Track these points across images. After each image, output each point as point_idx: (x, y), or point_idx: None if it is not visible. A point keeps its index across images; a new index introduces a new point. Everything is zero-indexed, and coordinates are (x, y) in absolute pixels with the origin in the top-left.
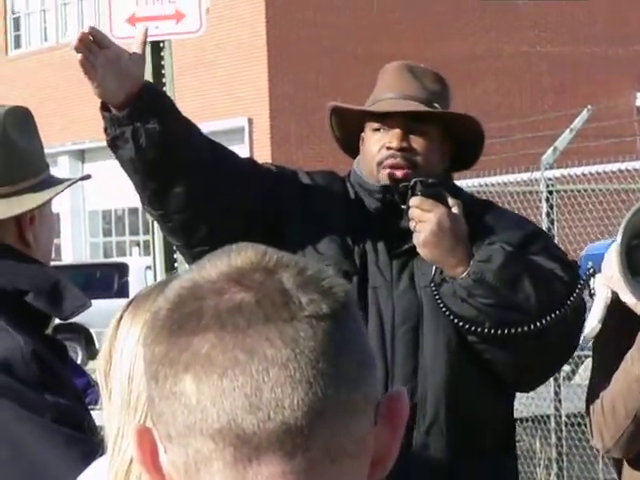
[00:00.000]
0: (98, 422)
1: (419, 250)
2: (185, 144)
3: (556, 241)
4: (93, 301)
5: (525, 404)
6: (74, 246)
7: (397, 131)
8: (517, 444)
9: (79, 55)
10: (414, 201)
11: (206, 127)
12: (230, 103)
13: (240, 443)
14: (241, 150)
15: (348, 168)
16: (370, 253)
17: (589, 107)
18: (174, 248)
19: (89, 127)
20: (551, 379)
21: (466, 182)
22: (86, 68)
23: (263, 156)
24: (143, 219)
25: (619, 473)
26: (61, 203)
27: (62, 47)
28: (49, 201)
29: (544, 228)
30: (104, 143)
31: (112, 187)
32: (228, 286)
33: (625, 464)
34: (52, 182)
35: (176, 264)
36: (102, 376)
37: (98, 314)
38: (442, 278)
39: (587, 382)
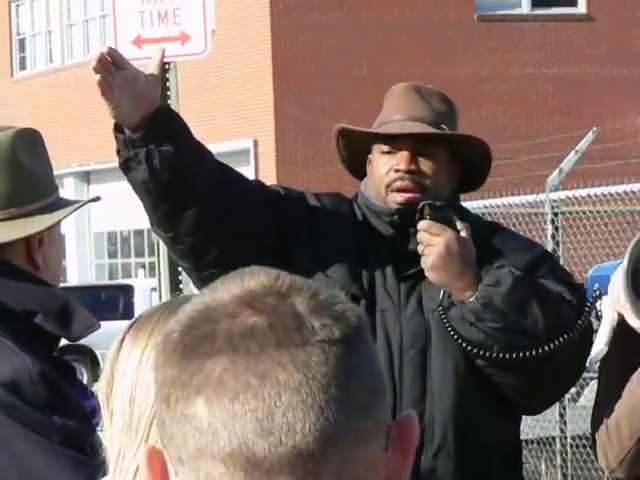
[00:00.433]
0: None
1: (427, 274)
2: (197, 167)
3: (561, 263)
4: None
5: (530, 426)
6: (80, 267)
7: (405, 153)
8: (522, 466)
9: (97, 75)
10: (422, 225)
11: (211, 148)
12: (235, 125)
13: (251, 467)
14: (246, 171)
15: (354, 190)
16: (378, 276)
17: (594, 129)
18: (179, 270)
19: (95, 149)
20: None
21: (471, 203)
22: (103, 89)
23: (268, 178)
24: (148, 241)
25: None
26: (67, 224)
27: (67, 69)
28: (58, 223)
29: (549, 250)
30: (110, 165)
31: (118, 209)
32: (241, 309)
33: None
34: (61, 204)
35: (181, 285)
36: (103, 398)
37: (103, 336)
38: (450, 302)
39: (592, 404)
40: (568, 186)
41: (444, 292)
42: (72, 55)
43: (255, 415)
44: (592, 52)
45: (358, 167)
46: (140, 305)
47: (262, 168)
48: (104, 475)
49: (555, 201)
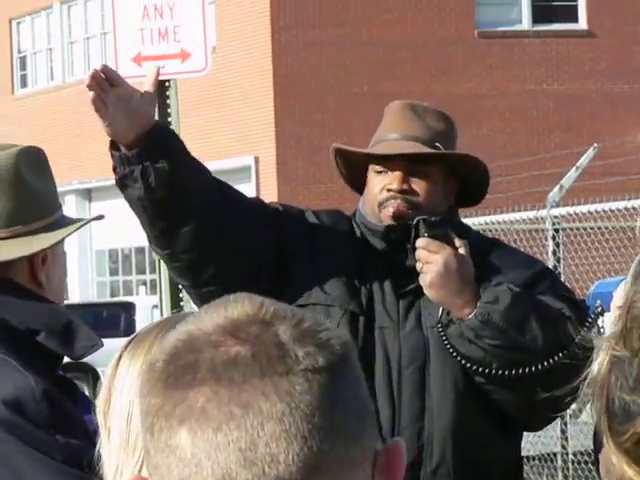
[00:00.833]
0: None
1: (426, 291)
2: (194, 185)
3: (562, 279)
4: None
5: (532, 442)
6: (81, 285)
7: (398, 174)
8: None
9: (91, 93)
10: (420, 242)
11: (213, 166)
12: (237, 142)
13: None
14: (248, 189)
15: (355, 207)
16: (377, 293)
17: (595, 145)
18: (180, 287)
19: (96, 166)
20: (558, 417)
21: (472, 220)
22: (97, 106)
23: (269, 194)
24: (150, 258)
25: None
26: (68, 242)
27: (68, 86)
28: (62, 241)
29: (550, 266)
30: (111, 182)
31: (119, 226)
32: (224, 339)
33: None
34: (65, 222)
35: (182, 303)
36: (101, 415)
37: (105, 353)
38: (449, 319)
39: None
40: (569, 202)
41: (443, 309)
42: (73, 72)
43: (238, 445)
44: (593, 68)
45: (359, 183)
46: (141, 322)
47: (263, 185)
48: None
49: (556, 217)
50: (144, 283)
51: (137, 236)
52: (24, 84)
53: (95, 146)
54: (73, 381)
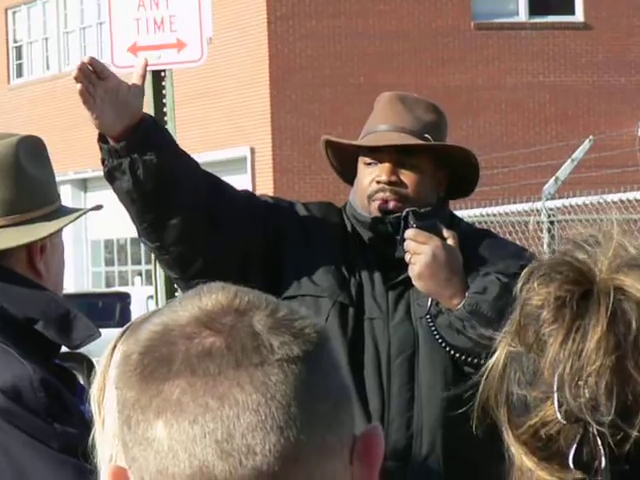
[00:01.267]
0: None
1: (414, 282)
2: (182, 178)
3: None
4: None
5: None
6: (76, 275)
7: (386, 165)
8: None
9: (78, 85)
10: (409, 233)
11: (208, 156)
12: (232, 133)
13: None
14: (243, 180)
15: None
16: (366, 284)
17: (591, 137)
18: None
19: (91, 156)
20: None
21: (467, 212)
22: (85, 98)
23: (265, 186)
24: (145, 248)
25: None
26: (63, 232)
27: (64, 76)
28: (61, 230)
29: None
30: None
31: (114, 217)
32: (198, 330)
33: None
34: (63, 211)
35: (177, 293)
36: (95, 404)
37: (100, 343)
38: (438, 310)
39: None
40: (564, 194)
41: (431, 300)
42: (69, 62)
43: (214, 437)
44: (589, 60)
45: (351, 174)
46: (137, 313)
47: (259, 176)
48: None
49: (551, 209)
50: (139, 274)
51: (132, 226)
52: (20, 74)
53: (91, 136)
54: (71, 371)
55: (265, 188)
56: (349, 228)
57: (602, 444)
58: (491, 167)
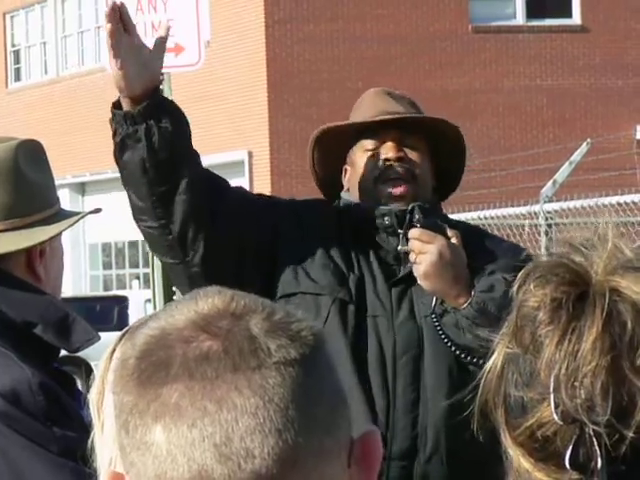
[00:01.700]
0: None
1: (420, 282)
2: (192, 152)
3: None
4: None
5: None
6: (74, 279)
7: (390, 143)
8: None
9: (108, 25)
10: (414, 233)
11: (206, 160)
12: (230, 136)
13: None
14: (241, 183)
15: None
16: (367, 280)
17: (589, 140)
18: None
19: (89, 160)
20: None
21: (465, 215)
22: (114, 41)
23: (263, 189)
24: (143, 252)
25: None
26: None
27: (62, 80)
28: (60, 234)
29: None
30: (104, 176)
31: (112, 220)
32: (196, 334)
33: None
34: (63, 215)
35: (175, 297)
36: (95, 408)
37: (98, 347)
38: (443, 309)
39: None
40: (562, 197)
41: (436, 299)
42: (66, 66)
43: (213, 441)
44: (587, 63)
45: (330, 184)
46: (134, 316)
47: (257, 179)
48: None
49: (549, 212)
50: (137, 277)
51: (130, 230)
52: (18, 78)
53: (88, 140)
54: (70, 374)
55: (263, 191)
56: (345, 223)
57: (598, 445)
58: (489, 170)
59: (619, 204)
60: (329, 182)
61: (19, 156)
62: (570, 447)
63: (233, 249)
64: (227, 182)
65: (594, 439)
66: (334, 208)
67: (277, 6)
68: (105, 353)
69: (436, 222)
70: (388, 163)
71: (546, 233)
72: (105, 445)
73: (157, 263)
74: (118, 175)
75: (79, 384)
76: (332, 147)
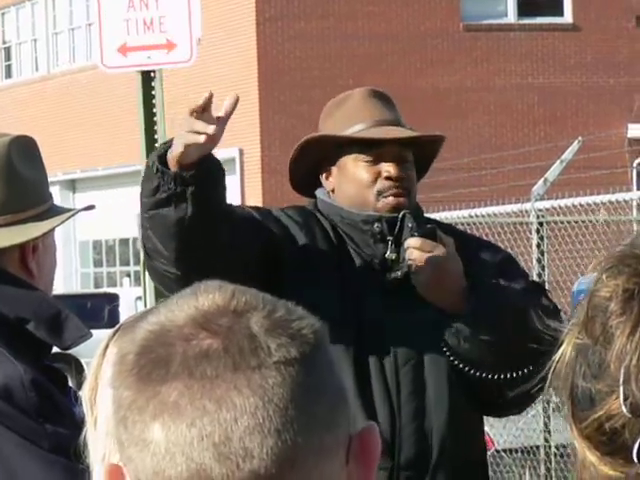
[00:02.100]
0: None
1: (420, 291)
2: (226, 220)
3: (546, 272)
4: None
5: (515, 435)
6: (65, 276)
7: (394, 161)
8: (507, 475)
9: (212, 127)
10: (414, 242)
11: None
12: None
13: None
14: (232, 181)
15: None
16: (363, 292)
17: (580, 138)
18: None
19: (80, 157)
20: (540, 410)
21: (456, 213)
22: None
23: (254, 187)
24: (134, 249)
25: None
26: (54, 232)
27: (53, 77)
28: (53, 230)
29: (534, 259)
30: (95, 173)
31: (103, 218)
32: (196, 332)
33: None
34: (56, 211)
35: (166, 294)
36: (88, 404)
37: (88, 344)
38: (441, 317)
39: None
40: (553, 196)
41: (432, 307)
42: (57, 64)
43: (212, 440)
44: (578, 62)
45: (308, 181)
46: (125, 314)
47: (247, 177)
48: None
49: (540, 210)
50: (128, 275)
51: (121, 227)
52: (8, 75)
53: (79, 137)
54: (62, 371)
55: (254, 189)
56: (330, 231)
57: None
58: (480, 168)
59: (610, 202)
60: (304, 181)
61: (12, 152)
62: (639, 440)
63: (239, 275)
64: (238, 210)
65: None
66: (314, 214)
67: (268, 3)
68: (98, 350)
69: (433, 230)
70: (390, 181)
71: (537, 231)
72: (98, 441)
73: None
74: (109, 172)
75: (70, 381)
76: (315, 148)
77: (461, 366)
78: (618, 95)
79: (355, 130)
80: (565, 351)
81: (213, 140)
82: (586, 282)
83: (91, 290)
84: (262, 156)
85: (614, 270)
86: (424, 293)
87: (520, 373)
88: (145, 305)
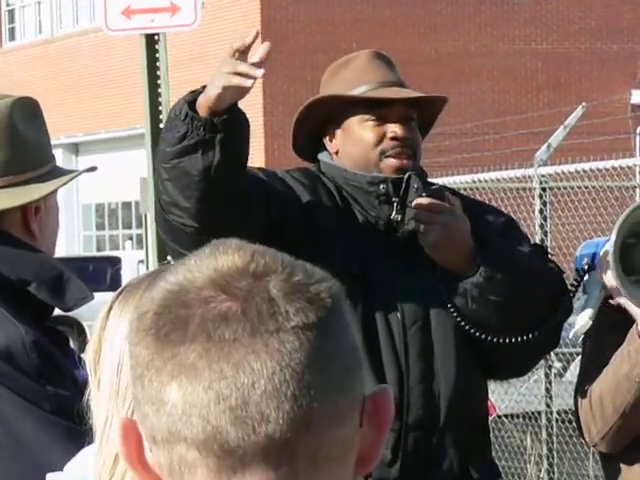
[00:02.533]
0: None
1: (428, 251)
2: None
3: (549, 238)
4: None
5: (516, 400)
6: (67, 239)
7: (400, 120)
8: (508, 440)
9: (260, 71)
10: (422, 202)
11: None
12: None
13: (224, 454)
14: None
15: None
16: (369, 253)
17: (583, 104)
18: None
19: (83, 120)
20: (543, 376)
21: (459, 178)
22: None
23: (257, 151)
24: (136, 213)
25: (605, 469)
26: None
27: (57, 40)
28: (55, 191)
29: (537, 225)
30: (98, 136)
31: (106, 181)
32: (215, 294)
33: (622, 466)
34: (58, 173)
35: (169, 257)
36: (91, 366)
37: (90, 307)
38: (449, 277)
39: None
40: (556, 161)
41: (441, 267)
42: (61, 26)
43: (228, 404)
44: (582, 27)
45: (310, 147)
46: (127, 277)
47: (251, 141)
48: (91, 443)
49: (543, 176)
50: (130, 238)
51: (124, 191)
52: (12, 37)
53: (82, 100)
54: (64, 333)
55: (257, 153)
56: (335, 193)
57: None
58: (483, 133)
59: (614, 168)
60: (307, 145)
61: (14, 113)
62: None
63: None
64: (254, 178)
65: None
66: (318, 177)
67: None
68: (101, 312)
69: (440, 190)
70: (395, 141)
71: (540, 197)
72: (101, 404)
73: (150, 224)
74: (112, 136)
75: (71, 344)
76: (320, 109)
77: (467, 327)
78: (622, 61)
79: (362, 91)
80: None
81: (249, 86)
82: (590, 246)
83: (93, 253)
84: (265, 121)
85: None
86: (432, 253)
87: (525, 337)
88: (147, 268)
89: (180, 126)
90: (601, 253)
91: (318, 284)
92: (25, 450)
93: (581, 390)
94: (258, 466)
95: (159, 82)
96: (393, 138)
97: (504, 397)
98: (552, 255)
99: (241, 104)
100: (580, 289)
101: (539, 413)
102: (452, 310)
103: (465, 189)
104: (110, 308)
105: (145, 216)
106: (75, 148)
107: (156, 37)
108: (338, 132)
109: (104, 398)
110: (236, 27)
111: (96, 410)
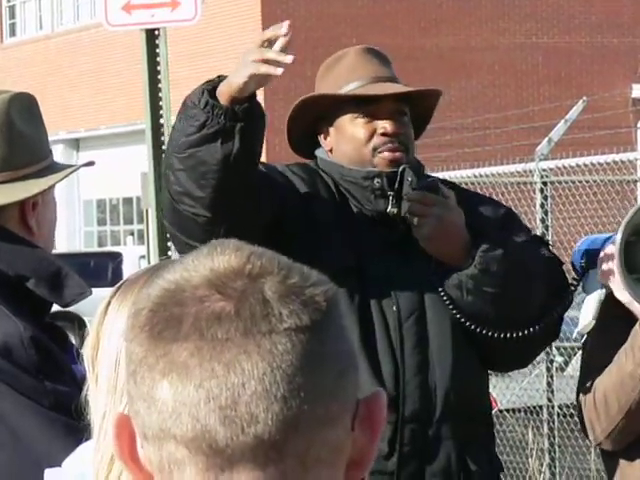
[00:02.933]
0: None
1: (423, 244)
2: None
3: (550, 232)
4: None
5: (518, 395)
6: (68, 235)
7: (391, 116)
8: (509, 434)
9: (290, 57)
10: (416, 195)
11: None
12: None
13: (212, 453)
14: None
15: None
16: (365, 244)
17: (584, 98)
18: (168, 237)
19: (84, 116)
20: (544, 370)
21: (460, 172)
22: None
23: None
24: (137, 208)
25: (606, 464)
26: (56, 192)
27: (57, 36)
28: (53, 186)
29: (538, 219)
30: (99, 132)
31: (107, 176)
32: (209, 293)
33: (622, 461)
34: (56, 168)
35: (170, 252)
36: (89, 361)
37: (91, 302)
38: (444, 270)
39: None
40: (557, 155)
41: (436, 260)
42: (62, 22)
43: (218, 403)
44: (583, 21)
45: (303, 144)
46: (129, 272)
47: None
48: (89, 438)
49: (544, 170)
50: (131, 233)
51: (125, 186)
52: (13, 33)
53: (83, 96)
54: (62, 329)
55: None
56: (332, 186)
57: None
58: (484, 128)
59: (615, 162)
60: (303, 142)
61: (12, 109)
62: None
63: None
64: (263, 174)
65: None
66: (316, 172)
67: None
68: (100, 307)
69: (434, 183)
70: (386, 137)
71: (541, 191)
72: (99, 399)
73: (152, 219)
74: (113, 131)
75: (72, 339)
76: (312, 108)
77: (463, 320)
78: (622, 55)
79: (351, 88)
80: None
81: (278, 74)
82: (589, 242)
83: (94, 249)
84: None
85: None
86: (426, 246)
87: (521, 333)
88: (149, 263)
89: (199, 115)
90: (601, 254)
91: (314, 287)
92: (24, 446)
93: (584, 388)
94: (246, 466)
95: (159, 77)
96: (383, 134)
97: (505, 391)
98: (552, 246)
99: None
100: (580, 288)
101: (541, 407)
102: (447, 302)
103: (466, 183)
104: (108, 303)
105: (146, 212)
106: (76, 144)
107: (156, 32)
108: (331, 130)
109: (102, 393)
110: (236, 22)
111: (94, 405)
